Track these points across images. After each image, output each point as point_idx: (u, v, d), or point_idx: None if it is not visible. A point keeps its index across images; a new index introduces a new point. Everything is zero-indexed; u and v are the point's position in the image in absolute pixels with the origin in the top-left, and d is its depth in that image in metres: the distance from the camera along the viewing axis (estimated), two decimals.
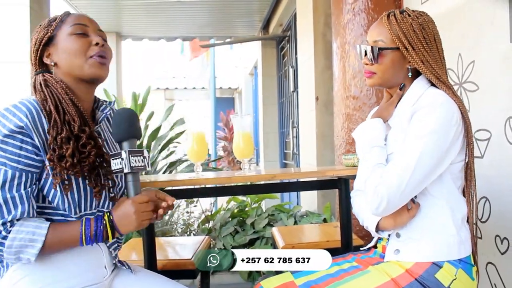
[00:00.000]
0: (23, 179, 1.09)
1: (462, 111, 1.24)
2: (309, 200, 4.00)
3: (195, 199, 4.14)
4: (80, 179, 1.18)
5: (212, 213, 4.09)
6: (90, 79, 1.24)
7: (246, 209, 3.96)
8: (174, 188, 1.93)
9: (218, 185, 1.87)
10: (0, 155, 1.07)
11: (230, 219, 3.77)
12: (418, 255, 1.23)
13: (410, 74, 1.31)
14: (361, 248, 1.48)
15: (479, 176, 1.85)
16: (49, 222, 1.12)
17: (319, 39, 3.69)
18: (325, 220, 3.35)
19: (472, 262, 1.26)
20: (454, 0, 2.04)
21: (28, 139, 1.09)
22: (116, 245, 1.35)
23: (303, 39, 4.16)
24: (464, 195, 1.31)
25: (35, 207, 1.13)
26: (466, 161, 1.28)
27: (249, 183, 1.94)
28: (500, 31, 1.75)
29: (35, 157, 1.11)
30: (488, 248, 1.84)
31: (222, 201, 5.18)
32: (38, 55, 1.22)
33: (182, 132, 3.50)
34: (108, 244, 1.31)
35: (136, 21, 6.19)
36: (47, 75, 1.21)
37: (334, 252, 1.48)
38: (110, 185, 1.28)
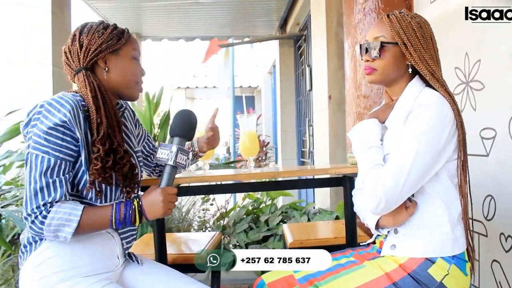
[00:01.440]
0: (63, 166, 1.21)
1: (454, 109, 1.27)
2: (322, 198, 4.03)
3: (210, 198, 4.21)
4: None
5: (227, 210, 4.16)
6: (129, 99, 1.43)
7: (261, 206, 4.02)
8: (185, 185, 2.00)
9: (223, 183, 1.92)
10: (44, 144, 1.19)
11: (245, 216, 3.84)
12: (412, 251, 1.26)
13: (410, 70, 1.33)
14: (360, 244, 1.52)
15: (484, 174, 1.87)
16: (83, 205, 1.23)
17: (332, 38, 3.71)
18: (337, 218, 3.38)
19: (466, 258, 1.28)
20: None
21: (69, 132, 1.21)
22: (130, 238, 1.44)
23: (317, 38, 4.19)
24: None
25: (69, 191, 1.25)
26: (462, 159, 1.30)
27: (254, 181, 1.99)
28: (505, 29, 1.76)
29: (73, 147, 1.23)
30: (493, 246, 1.85)
31: (239, 198, 5.25)
32: (97, 55, 1.32)
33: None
34: (121, 236, 1.40)
35: (156, 22, 6.30)
36: (96, 79, 1.32)
37: (339, 248, 1.52)
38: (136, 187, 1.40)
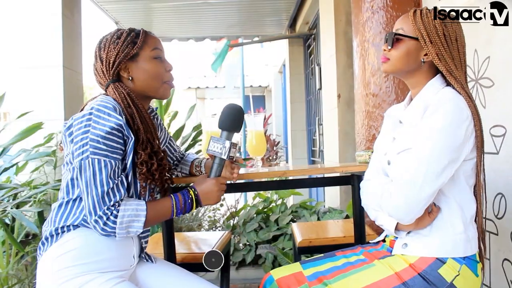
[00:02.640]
0: (120, 167, 1.29)
1: (470, 106, 1.25)
2: (332, 197, 4.03)
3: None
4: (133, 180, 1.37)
5: (237, 209, 4.17)
6: (161, 98, 1.48)
7: (271, 205, 4.02)
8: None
9: (232, 182, 1.93)
10: (103, 148, 1.24)
11: (255, 215, 3.84)
12: (423, 250, 1.26)
13: (423, 62, 1.33)
14: (370, 241, 1.52)
15: (494, 172, 1.85)
16: (145, 201, 1.32)
17: (340, 37, 3.70)
18: (347, 217, 3.37)
19: (478, 259, 1.27)
20: None
21: (121, 134, 1.28)
22: (147, 238, 1.49)
23: (326, 37, 4.18)
24: (475, 193, 1.32)
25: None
26: (480, 158, 1.28)
27: (262, 180, 2.00)
28: None
29: (123, 148, 1.30)
30: (504, 244, 1.83)
31: (249, 198, 5.26)
32: (118, 67, 1.37)
33: (199, 133, 3.61)
34: (140, 236, 1.44)
35: (166, 23, 6.32)
36: (126, 88, 1.36)
37: (348, 247, 1.52)
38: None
